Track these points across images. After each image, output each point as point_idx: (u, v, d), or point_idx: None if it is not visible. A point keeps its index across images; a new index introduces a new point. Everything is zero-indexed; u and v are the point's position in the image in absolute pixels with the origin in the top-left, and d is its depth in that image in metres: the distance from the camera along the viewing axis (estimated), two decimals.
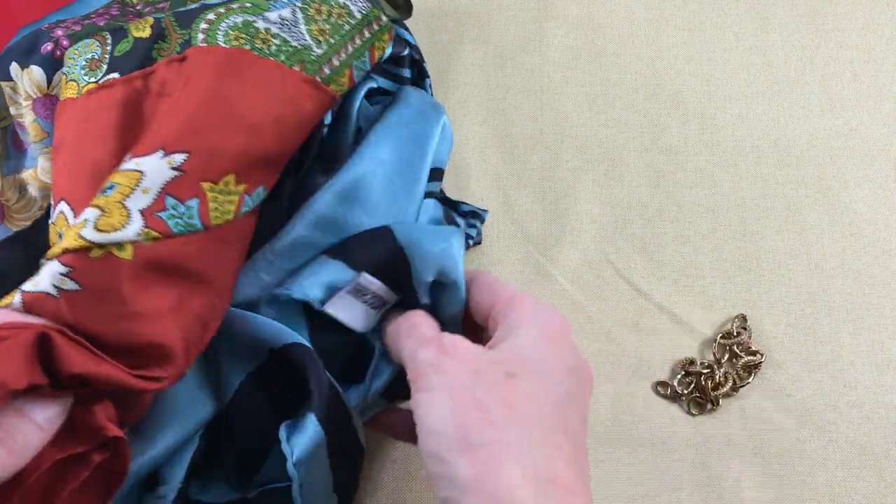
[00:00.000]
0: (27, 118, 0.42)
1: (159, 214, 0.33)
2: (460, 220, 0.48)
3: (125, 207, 0.33)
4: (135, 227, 0.33)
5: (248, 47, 0.37)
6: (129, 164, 0.34)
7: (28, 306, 0.31)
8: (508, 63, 0.60)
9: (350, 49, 0.41)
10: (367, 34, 0.42)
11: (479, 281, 0.38)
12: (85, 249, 0.32)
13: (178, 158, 0.34)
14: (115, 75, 0.38)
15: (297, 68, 0.38)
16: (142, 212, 0.33)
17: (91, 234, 0.32)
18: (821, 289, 0.52)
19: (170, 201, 0.34)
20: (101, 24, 0.44)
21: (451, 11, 0.61)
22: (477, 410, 0.31)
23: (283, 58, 0.38)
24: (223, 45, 0.37)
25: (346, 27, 0.41)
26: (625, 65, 0.60)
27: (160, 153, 0.34)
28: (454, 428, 0.31)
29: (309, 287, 0.38)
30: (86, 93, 0.38)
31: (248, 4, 0.39)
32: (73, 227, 0.32)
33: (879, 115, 0.57)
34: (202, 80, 0.36)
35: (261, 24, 0.38)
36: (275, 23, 0.38)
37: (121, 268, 0.32)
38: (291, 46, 0.38)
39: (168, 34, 0.39)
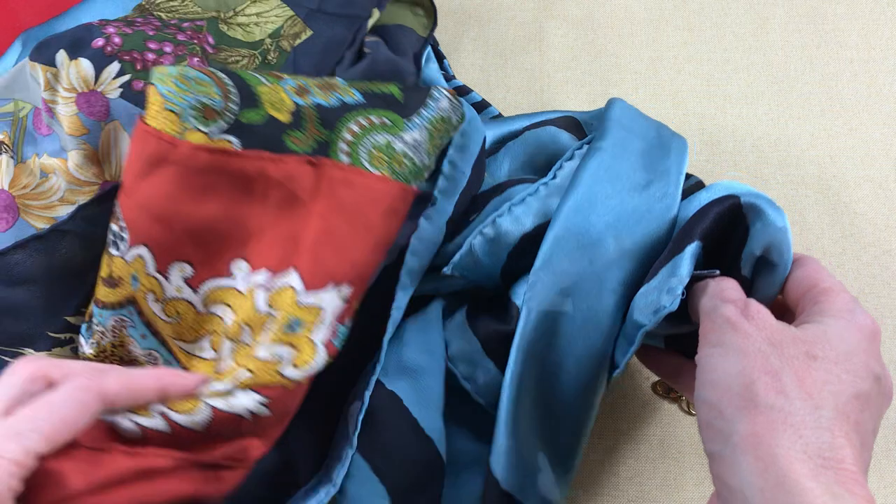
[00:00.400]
0: (66, 109, 0.43)
1: (333, 341, 0.38)
2: None
3: (313, 342, 0.37)
4: (321, 359, 0.37)
5: (387, 172, 0.39)
6: (310, 298, 0.37)
7: (217, 422, 0.35)
8: (508, 63, 0.60)
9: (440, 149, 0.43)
10: (451, 133, 0.43)
11: (804, 262, 0.38)
12: (283, 384, 0.36)
13: (346, 291, 0.38)
14: (234, 140, 0.38)
15: (414, 185, 0.40)
16: (324, 343, 0.38)
17: (292, 373, 0.37)
18: None
19: (339, 328, 0.39)
20: (151, 33, 0.45)
21: (451, 11, 0.61)
22: (768, 376, 0.31)
23: (410, 178, 0.40)
24: (366, 164, 0.39)
25: (447, 137, 0.43)
26: (625, 65, 0.60)
27: (332, 287, 0.38)
28: (741, 385, 0.31)
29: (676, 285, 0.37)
30: (198, 146, 0.37)
31: (388, 122, 0.40)
32: (268, 362, 0.36)
33: (879, 115, 0.57)
34: (357, 212, 0.38)
35: (398, 146, 0.40)
36: (409, 144, 0.40)
37: (300, 392, 0.38)
38: (416, 166, 0.40)
39: (306, 125, 0.39)
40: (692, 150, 0.56)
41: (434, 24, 0.56)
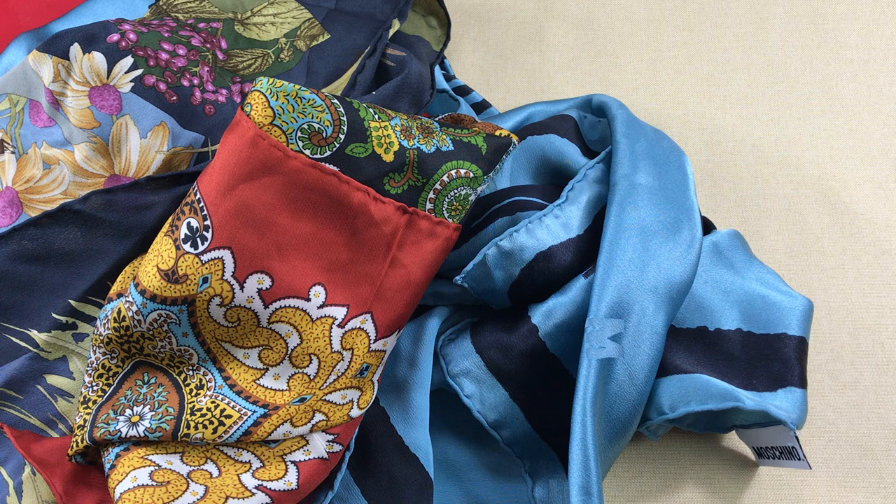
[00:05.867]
0: (77, 102, 0.43)
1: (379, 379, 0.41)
2: None
3: (373, 383, 0.40)
4: (373, 396, 0.40)
5: (458, 220, 0.41)
6: (377, 345, 0.39)
7: (306, 472, 0.38)
8: (508, 63, 0.60)
9: None
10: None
11: None
12: (348, 421, 0.40)
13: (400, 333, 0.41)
14: (334, 167, 0.39)
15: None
16: (378, 381, 0.41)
17: (356, 412, 0.40)
18: (821, 289, 0.52)
19: (386, 365, 0.42)
20: (166, 34, 0.46)
21: (452, 11, 0.61)
22: None
23: (460, 220, 0.41)
24: (445, 212, 0.40)
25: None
26: (625, 65, 0.60)
27: (397, 333, 0.40)
28: None
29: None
30: (312, 163, 0.38)
31: (472, 175, 0.41)
32: (342, 407, 0.40)
33: (879, 115, 0.57)
34: (435, 263, 0.40)
35: (472, 198, 0.41)
36: (478, 194, 0.42)
37: (359, 421, 0.41)
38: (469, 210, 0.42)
39: (405, 168, 0.40)
40: (692, 149, 0.56)
41: (447, 38, 0.57)
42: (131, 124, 0.44)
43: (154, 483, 0.36)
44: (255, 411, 0.39)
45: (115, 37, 0.44)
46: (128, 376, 0.40)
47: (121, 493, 0.36)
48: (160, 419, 0.38)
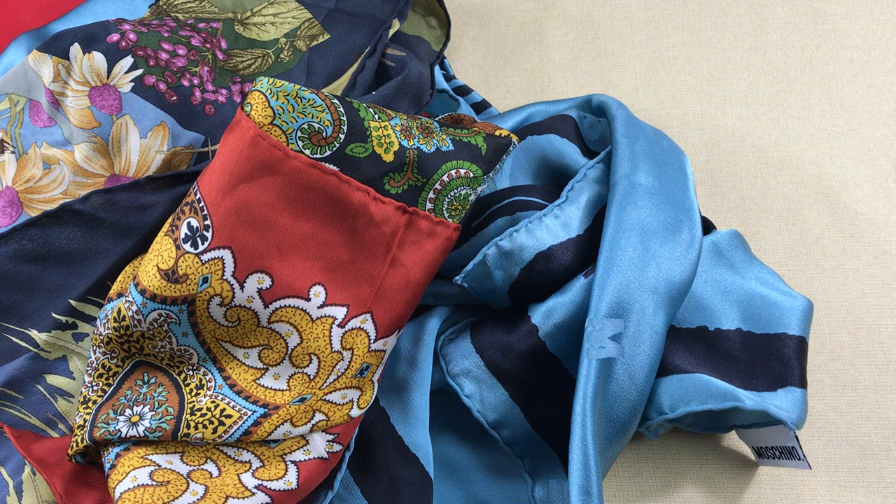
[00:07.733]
0: (77, 102, 0.43)
1: (378, 378, 0.41)
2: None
3: (373, 383, 0.41)
4: (373, 396, 0.41)
5: (458, 220, 0.41)
6: (377, 344, 0.40)
7: (306, 472, 0.38)
8: (508, 63, 0.60)
9: None
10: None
11: None
12: (348, 421, 0.40)
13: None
14: (333, 167, 0.39)
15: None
16: (378, 381, 0.41)
17: (356, 412, 0.40)
18: (821, 289, 0.52)
19: (386, 365, 0.42)
20: (166, 34, 0.46)
21: (452, 11, 0.61)
22: None
23: (460, 220, 0.42)
24: (445, 212, 0.40)
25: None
26: (625, 65, 0.60)
27: (397, 333, 0.40)
28: None
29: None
30: (313, 162, 0.38)
31: (472, 175, 0.41)
32: (342, 407, 0.40)
33: (879, 115, 0.57)
34: (435, 262, 0.40)
35: (472, 198, 0.41)
36: (478, 194, 0.42)
37: (359, 420, 0.41)
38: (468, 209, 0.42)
39: (405, 168, 0.40)
40: (692, 150, 0.56)
41: (447, 38, 0.57)
42: (131, 124, 0.44)
43: (154, 483, 0.36)
44: (255, 411, 0.39)
45: (115, 37, 0.44)
46: (128, 376, 0.40)
47: (121, 493, 0.36)
48: (160, 419, 0.38)
